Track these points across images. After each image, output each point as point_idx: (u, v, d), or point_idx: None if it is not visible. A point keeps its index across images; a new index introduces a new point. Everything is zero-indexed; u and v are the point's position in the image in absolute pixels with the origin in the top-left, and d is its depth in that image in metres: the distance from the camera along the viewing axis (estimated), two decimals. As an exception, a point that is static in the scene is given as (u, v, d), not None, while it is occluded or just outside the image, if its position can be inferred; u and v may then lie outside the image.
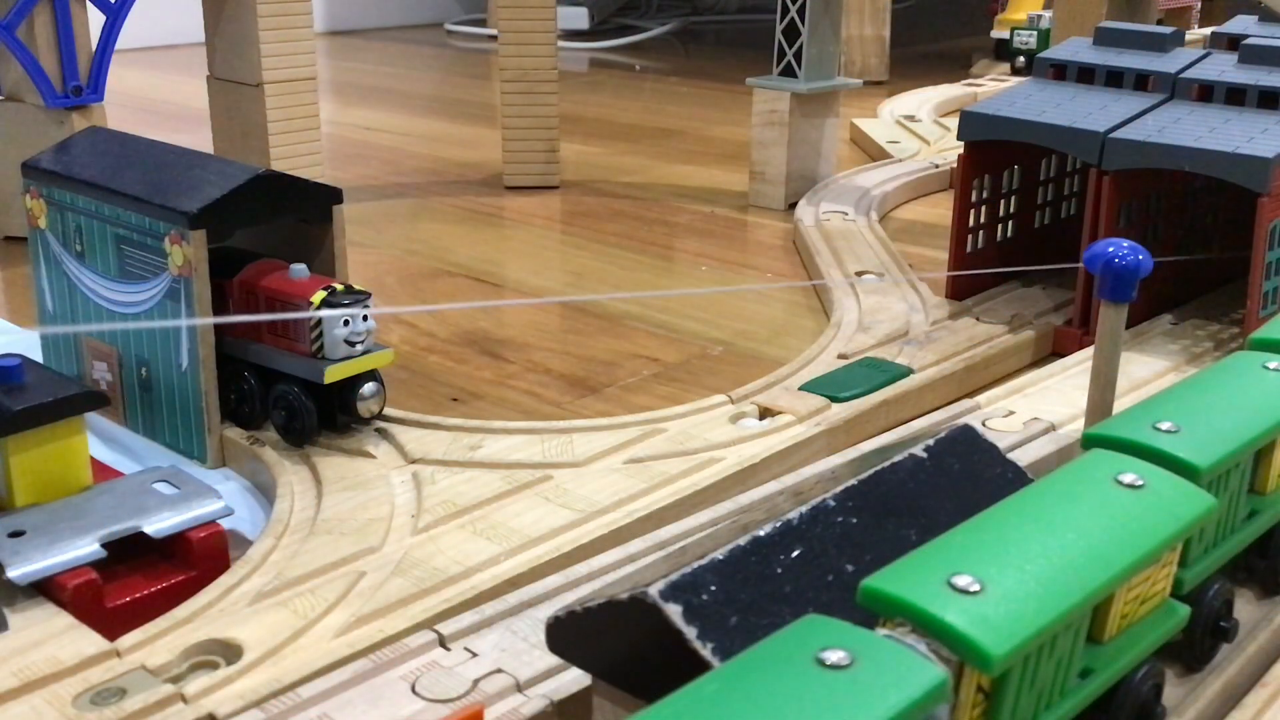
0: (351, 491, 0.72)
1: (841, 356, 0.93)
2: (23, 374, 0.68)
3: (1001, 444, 0.75)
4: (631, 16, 3.16)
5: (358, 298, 0.77)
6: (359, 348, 0.77)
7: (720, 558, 0.48)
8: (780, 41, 1.43)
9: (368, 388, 0.78)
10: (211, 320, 0.76)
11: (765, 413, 0.84)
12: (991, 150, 1.07)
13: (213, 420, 0.78)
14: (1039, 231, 1.15)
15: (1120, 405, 0.71)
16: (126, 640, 0.58)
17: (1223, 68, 1.02)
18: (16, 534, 0.63)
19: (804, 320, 1.11)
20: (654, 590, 0.45)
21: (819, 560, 0.49)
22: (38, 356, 0.83)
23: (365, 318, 0.77)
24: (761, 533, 0.49)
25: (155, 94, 2.19)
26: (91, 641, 0.58)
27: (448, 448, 0.78)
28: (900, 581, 0.42)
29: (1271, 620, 0.61)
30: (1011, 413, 0.85)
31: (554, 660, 0.54)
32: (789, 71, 1.43)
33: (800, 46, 1.41)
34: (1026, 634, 0.41)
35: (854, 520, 0.52)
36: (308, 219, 0.82)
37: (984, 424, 0.82)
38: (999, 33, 2.42)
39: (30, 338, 0.94)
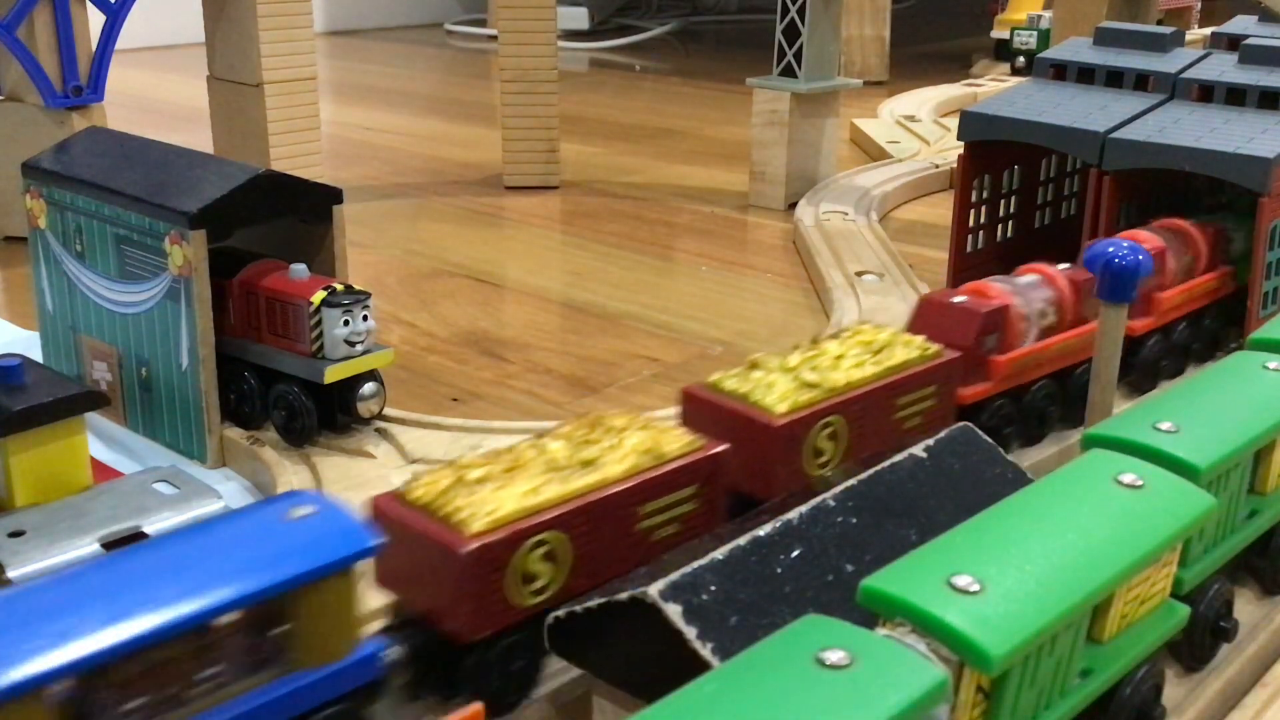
0: (351, 491, 0.72)
1: (841, 356, 0.93)
2: (23, 374, 0.68)
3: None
4: (631, 16, 3.16)
5: (358, 298, 0.77)
6: (359, 348, 0.77)
7: (720, 558, 0.48)
8: (780, 41, 1.43)
9: (368, 388, 0.78)
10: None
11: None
12: (991, 150, 1.07)
13: (213, 420, 0.78)
14: (1039, 231, 1.15)
15: (1120, 405, 0.71)
16: (126, 640, 0.58)
17: (1223, 68, 1.02)
18: (16, 534, 0.63)
19: (804, 320, 1.11)
20: (654, 590, 0.45)
21: (819, 560, 0.49)
22: (38, 356, 0.83)
23: (365, 318, 0.77)
24: (761, 532, 0.49)
25: (155, 94, 2.19)
26: (91, 641, 0.58)
27: (448, 448, 0.78)
28: (900, 581, 0.42)
29: (1271, 620, 0.61)
30: (1011, 413, 0.85)
31: (554, 660, 0.54)
32: (789, 71, 1.43)
33: (800, 46, 1.41)
34: (1026, 634, 0.41)
35: (854, 520, 0.52)
36: (308, 219, 0.82)
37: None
38: (999, 33, 2.42)
39: (30, 338, 0.94)
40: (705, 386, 0.64)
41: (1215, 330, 0.95)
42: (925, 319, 0.75)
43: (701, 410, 0.63)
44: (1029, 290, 0.78)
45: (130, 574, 0.44)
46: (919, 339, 0.69)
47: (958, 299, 0.75)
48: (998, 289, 0.77)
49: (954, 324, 0.73)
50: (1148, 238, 0.88)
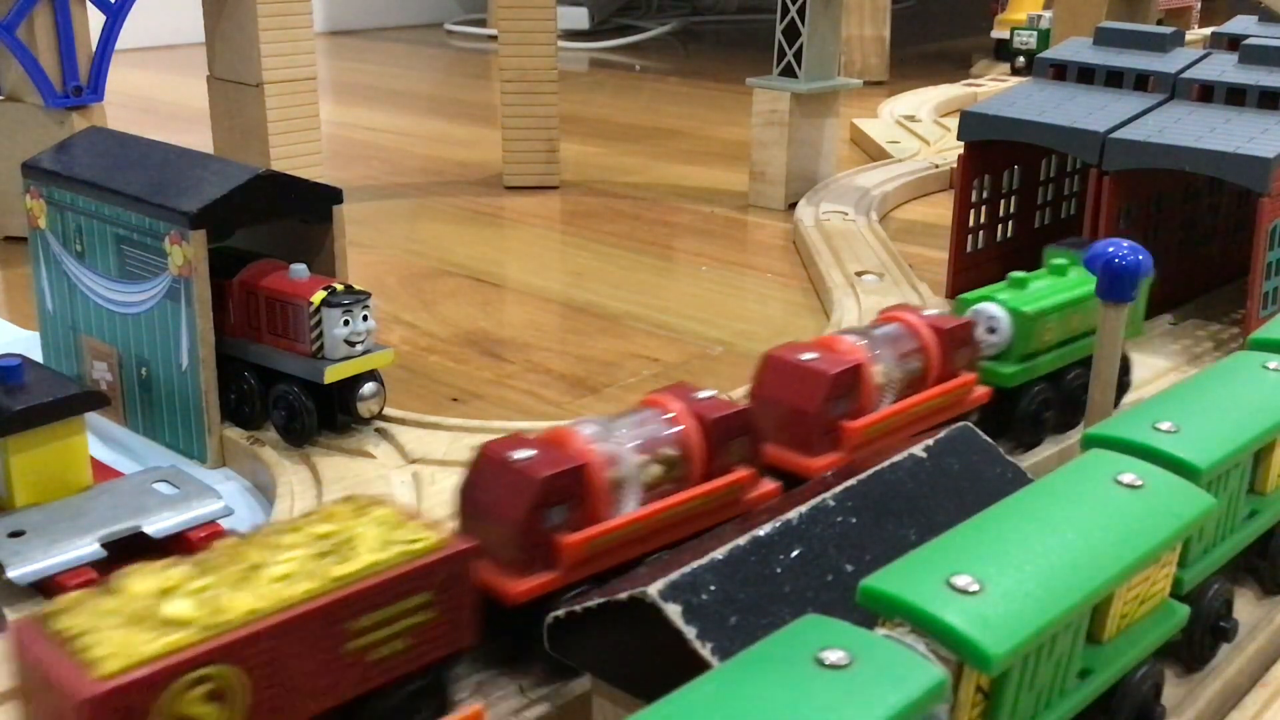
0: (351, 491, 0.72)
1: (841, 356, 0.93)
2: (23, 374, 0.68)
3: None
4: (631, 16, 3.16)
5: (358, 298, 0.77)
6: (359, 348, 0.77)
7: (720, 557, 0.48)
8: (780, 41, 1.43)
9: (368, 388, 0.79)
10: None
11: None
12: (991, 150, 1.07)
13: (213, 420, 0.78)
14: (1039, 231, 1.15)
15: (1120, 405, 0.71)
16: (126, 640, 0.58)
17: (1223, 68, 1.02)
18: (16, 534, 0.63)
19: (804, 320, 1.11)
20: (654, 590, 0.45)
21: (818, 560, 0.49)
22: (38, 356, 0.83)
23: (365, 318, 0.77)
24: (761, 532, 0.49)
25: (155, 94, 2.19)
26: (91, 641, 0.58)
27: (448, 448, 0.78)
28: (900, 581, 0.42)
29: (1271, 620, 0.61)
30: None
31: (554, 660, 0.54)
32: (789, 71, 1.43)
33: (800, 46, 1.41)
34: (1026, 634, 0.41)
35: (853, 520, 0.52)
36: (308, 219, 0.82)
37: (984, 424, 0.82)
38: (999, 33, 2.42)
39: (30, 338, 0.94)
40: (35, 622, 0.43)
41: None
42: (476, 484, 0.56)
43: (27, 659, 0.43)
44: (631, 436, 0.57)
45: None
46: (416, 522, 0.49)
47: (518, 455, 0.55)
48: (584, 438, 0.56)
49: (503, 494, 0.54)
50: (848, 348, 0.67)
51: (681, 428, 0.59)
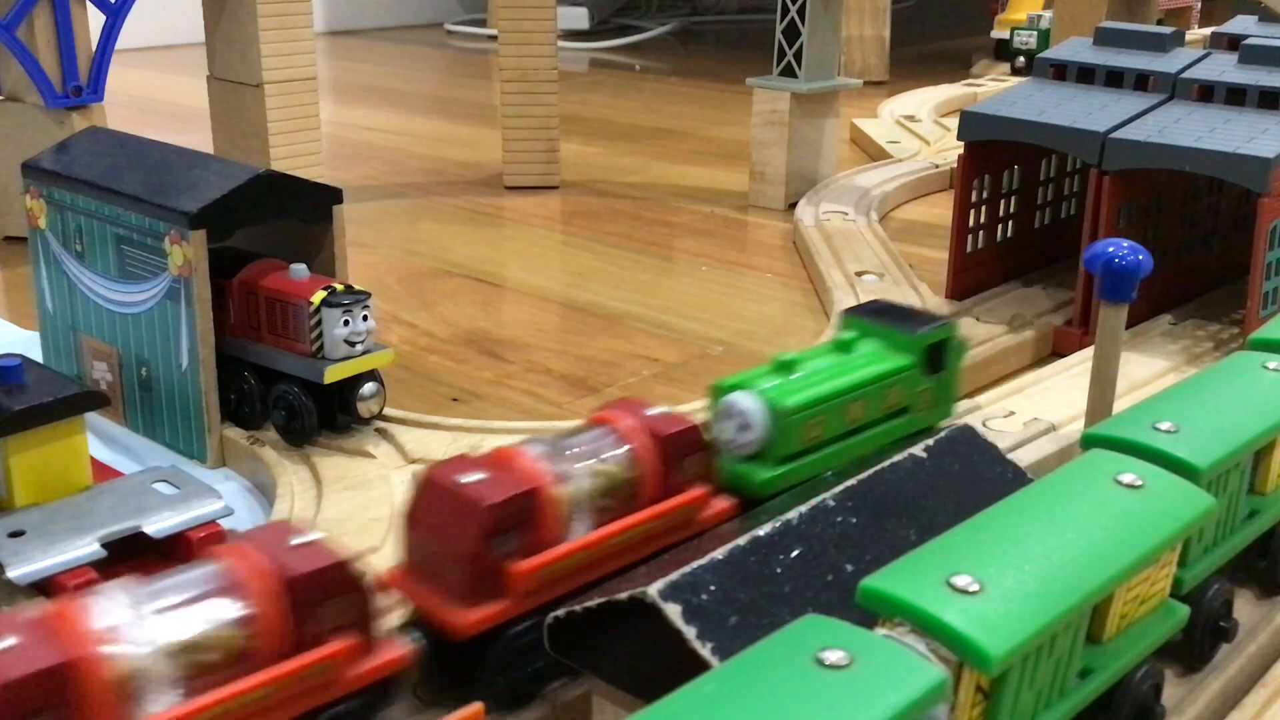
0: (351, 491, 0.72)
1: (841, 356, 0.93)
2: (23, 374, 0.68)
3: (1001, 444, 0.75)
4: (631, 16, 3.16)
5: (358, 298, 0.77)
6: (359, 348, 0.77)
7: (719, 557, 0.48)
8: (780, 41, 1.43)
9: (368, 388, 0.79)
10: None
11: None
12: (991, 150, 1.07)
13: (213, 420, 0.78)
14: (1039, 231, 1.15)
15: (1120, 405, 0.71)
16: (126, 640, 0.58)
17: (1223, 68, 1.02)
18: (16, 534, 0.63)
19: (804, 320, 1.11)
20: (653, 590, 0.45)
21: (818, 560, 0.49)
22: (38, 356, 0.83)
23: (365, 318, 0.77)
24: (761, 532, 0.49)
25: (155, 94, 2.19)
26: (91, 641, 0.58)
27: (448, 448, 0.78)
28: (900, 581, 0.42)
29: (1271, 620, 0.61)
30: (1011, 413, 0.85)
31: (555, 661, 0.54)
32: (789, 71, 1.43)
33: (800, 46, 1.41)
34: (1026, 634, 0.41)
35: (853, 520, 0.52)
36: (308, 219, 0.82)
37: (984, 424, 0.82)
38: (999, 33, 2.42)
39: (30, 338, 0.94)
40: None
41: None
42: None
43: None
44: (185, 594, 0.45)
45: None
46: None
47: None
48: (108, 617, 0.42)
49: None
50: (526, 465, 0.53)
51: (252, 592, 0.45)
